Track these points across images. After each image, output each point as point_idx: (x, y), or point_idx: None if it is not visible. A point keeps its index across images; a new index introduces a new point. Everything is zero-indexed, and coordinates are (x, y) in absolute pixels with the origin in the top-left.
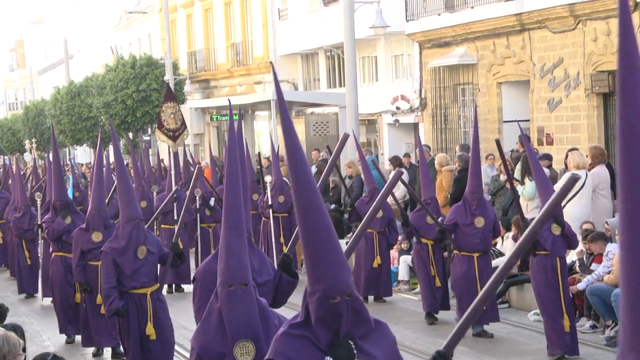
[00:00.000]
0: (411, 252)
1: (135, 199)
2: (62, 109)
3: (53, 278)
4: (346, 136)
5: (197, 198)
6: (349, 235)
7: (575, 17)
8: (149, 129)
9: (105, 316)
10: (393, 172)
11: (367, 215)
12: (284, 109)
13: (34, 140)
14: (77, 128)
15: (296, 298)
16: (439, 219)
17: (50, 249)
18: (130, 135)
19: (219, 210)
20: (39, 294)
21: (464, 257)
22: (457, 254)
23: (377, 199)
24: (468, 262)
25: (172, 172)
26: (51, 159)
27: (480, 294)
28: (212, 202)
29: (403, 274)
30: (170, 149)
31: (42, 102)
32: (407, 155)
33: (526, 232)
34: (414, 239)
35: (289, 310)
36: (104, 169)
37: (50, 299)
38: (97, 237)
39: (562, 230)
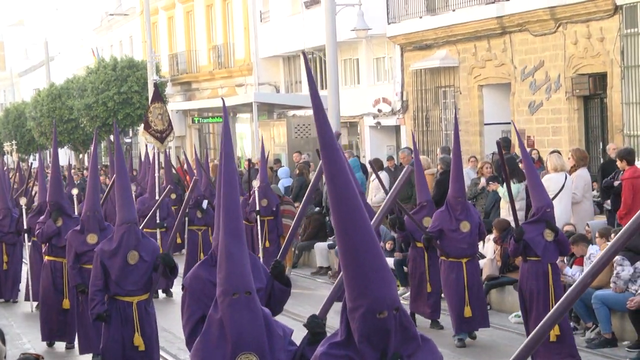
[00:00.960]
0: (394, 254)
1: (133, 201)
2: (42, 111)
3: (42, 283)
4: (337, 134)
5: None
6: (331, 238)
7: (556, 20)
8: (130, 131)
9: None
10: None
11: (376, 216)
12: (316, 96)
13: (14, 142)
14: (58, 130)
15: (292, 307)
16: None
17: (43, 251)
18: (112, 137)
19: (211, 214)
20: (23, 298)
21: (452, 263)
22: (445, 260)
23: (387, 200)
24: (457, 269)
25: (157, 175)
26: (36, 160)
27: (551, 314)
28: (204, 204)
29: None
30: (152, 150)
31: (23, 104)
32: (390, 158)
33: (608, 247)
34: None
35: (287, 320)
36: (86, 171)
37: (31, 303)
38: (92, 239)
39: (556, 236)
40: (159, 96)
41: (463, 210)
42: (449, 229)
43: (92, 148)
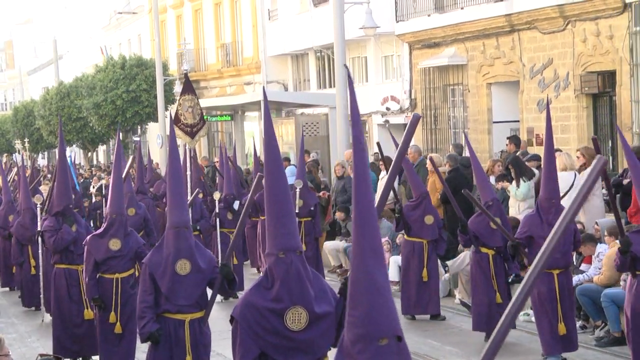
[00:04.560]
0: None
1: (185, 203)
2: (51, 109)
3: (55, 293)
4: (417, 117)
5: (217, 201)
6: (338, 237)
7: (565, 17)
8: (139, 130)
9: (119, 338)
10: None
11: (566, 211)
12: None
13: (26, 140)
14: (66, 129)
15: None
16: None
17: (52, 260)
18: (120, 135)
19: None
20: (42, 308)
21: (543, 275)
22: None
23: (578, 196)
24: (548, 281)
25: (188, 173)
26: (44, 159)
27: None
28: (236, 205)
29: (393, 275)
30: (188, 147)
31: (32, 103)
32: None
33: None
34: (471, 247)
35: None
36: (95, 169)
37: (43, 313)
38: (115, 244)
39: None
40: (191, 87)
41: (557, 214)
42: (539, 236)
43: (115, 145)
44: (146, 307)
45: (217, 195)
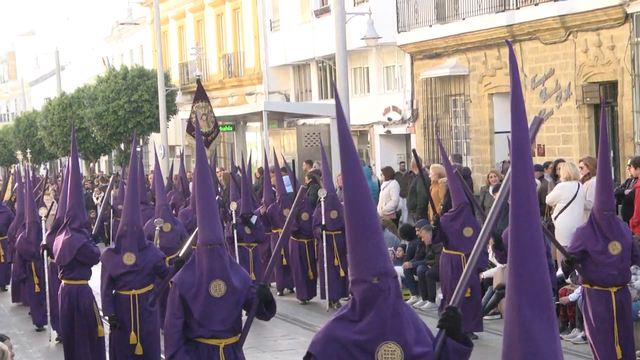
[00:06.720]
0: (403, 264)
1: (217, 217)
2: (53, 120)
3: (64, 312)
4: (539, 119)
5: (234, 211)
6: None
7: (566, 28)
8: (141, 140)
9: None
10: None
11: None
12: None
13: (28, 151)
14: (68, 139)
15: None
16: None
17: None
18: (122, 146)
19: (262, 229)
20: (49, 327)
21: (599, 292)
22: (589, 289)
23: None
24: (605, 300)
25: None
26: (46, 169)
27: None
28: (254, 219)
29: None
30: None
31: (34, 114)
32: (402, 164)
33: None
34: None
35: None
36: (96, 180)
37: (50, 332)
38: (129, 259)
39: None
40: (203, 94)
41: (612, 227)
42: (594, 251)
43: (131, 150)
44: (175, 334)
45: (233, 206)
